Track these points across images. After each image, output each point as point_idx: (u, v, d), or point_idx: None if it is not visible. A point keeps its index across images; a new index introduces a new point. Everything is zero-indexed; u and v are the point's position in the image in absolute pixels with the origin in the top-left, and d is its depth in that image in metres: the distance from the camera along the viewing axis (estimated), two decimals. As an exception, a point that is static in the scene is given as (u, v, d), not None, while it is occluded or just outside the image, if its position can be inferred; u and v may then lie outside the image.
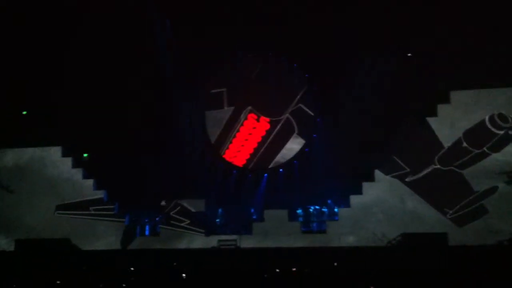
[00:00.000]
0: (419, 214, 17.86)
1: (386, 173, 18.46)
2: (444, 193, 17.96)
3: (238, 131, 21.74)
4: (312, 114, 21.35)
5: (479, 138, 17.92)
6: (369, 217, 18.12)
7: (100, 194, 19.53)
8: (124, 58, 19.85)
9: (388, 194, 18.22)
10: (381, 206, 18.18)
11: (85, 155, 20.52)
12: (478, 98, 18.11)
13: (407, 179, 18.28)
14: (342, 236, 18.15)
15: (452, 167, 18.05)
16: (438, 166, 18.14)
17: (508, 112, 17.77)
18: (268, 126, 21.56)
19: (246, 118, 21.71)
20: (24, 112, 20.17)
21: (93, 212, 19.40)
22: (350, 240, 18.07)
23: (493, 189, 17.65)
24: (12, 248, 18.76)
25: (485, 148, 17.81)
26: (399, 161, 18.42)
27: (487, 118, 17.95)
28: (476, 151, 17.88)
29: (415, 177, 18.23)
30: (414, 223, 17.73)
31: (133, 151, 20.09)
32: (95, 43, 19.52)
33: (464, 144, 18.03)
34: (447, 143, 18.04)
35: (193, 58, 20.42)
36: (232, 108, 21.86)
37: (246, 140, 21.63)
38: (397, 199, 18.14)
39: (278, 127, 21.51)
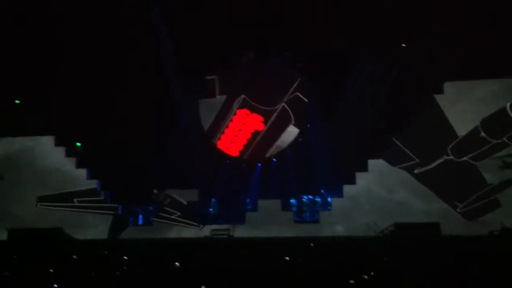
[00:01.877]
0: (408, 205, 17.76)
1: (393, 164, 17.89)
2: (455, 185, 17.27)
3: (230, 120, 21.61)
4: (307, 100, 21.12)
5: (499, 127, 17.01)
6: (360, 207, 18.15)
7: (86, 185, 19.49)
8: (119, 49, 19.75)
9: (378, 185, 18.20)
10: (370, 196, 18.16)
11: (78, 144, 20.44)
12: (461, 89, 17.83)
13: (416, 171, 17.67)
14: (334, 225, 18.26)
15: (466, 158, 17.27)
16: (451, 157, 17.33)
17: (494, 105, 17.27)
18: (262, 126, 21.28)
19: (239, 107, 21.52)
20: (17, 101, 20.02)
21: (77, 204, 19.34)
22: (342, 230, 18.20)
23: (509, 182, 16.95)
24: (3, 237, 18.69)
25: (505, 138, 16.96)
26: (408, 152, 17.77)
27: (508, 105, 16.99)
28: (495, 141, 17.04)
29: (424, 169, 17.57)
30: (403, 214, 17.64)
31: (126, 141, 20.00)
32: (92, 35, 19.40)
33: (482, 134, 17.13)
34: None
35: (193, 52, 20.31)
36: (225, 96, 21.73)
37: (240, 130, 21.54)
38: (386, 190, 18.05)
39: (274, 116, 21.33)
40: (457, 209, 17.37)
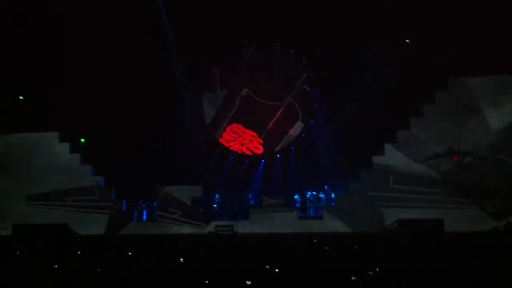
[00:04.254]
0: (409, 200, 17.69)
1: (417, 161, 17.39)
2: (486, 184, 16.60)
3: (233, 116, 21.55)
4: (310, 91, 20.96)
5: None
6: (362, 203, 18.14)
7: (87, 182, 19.44)
8: (122, 45, 19.78)
9: (380, 180, 18.17)
10: (372, 192, 18.18)
11: (82, 140, 20.45)
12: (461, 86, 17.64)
13: (442, 168, 17.16)
14: (337, 221, 18.29)
15: (502, 156, 16.59)
16: (485, 154, 16.59)
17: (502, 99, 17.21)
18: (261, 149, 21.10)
19: (242, 101, 21.45)
20: (21, 97, 20.04)
21: (70, 203, 19.27)
22: (345, 226, 18.22)
23: None
24: (7, 232, 18.71)
25: None
26: (435, 148, 17.28)
27: None
28: None
29: (452, 166, 17.01)
30: (405, 210, 17.66)
31: (130, 138, 20.04)
32: (95, 33, 19.43)
33: None
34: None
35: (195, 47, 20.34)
36: (226, 91, 21.61)
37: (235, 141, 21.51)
38: (388, 186, 17.99)
39: (280, 112, 21.15)
40: (486, 210, 16.82)
